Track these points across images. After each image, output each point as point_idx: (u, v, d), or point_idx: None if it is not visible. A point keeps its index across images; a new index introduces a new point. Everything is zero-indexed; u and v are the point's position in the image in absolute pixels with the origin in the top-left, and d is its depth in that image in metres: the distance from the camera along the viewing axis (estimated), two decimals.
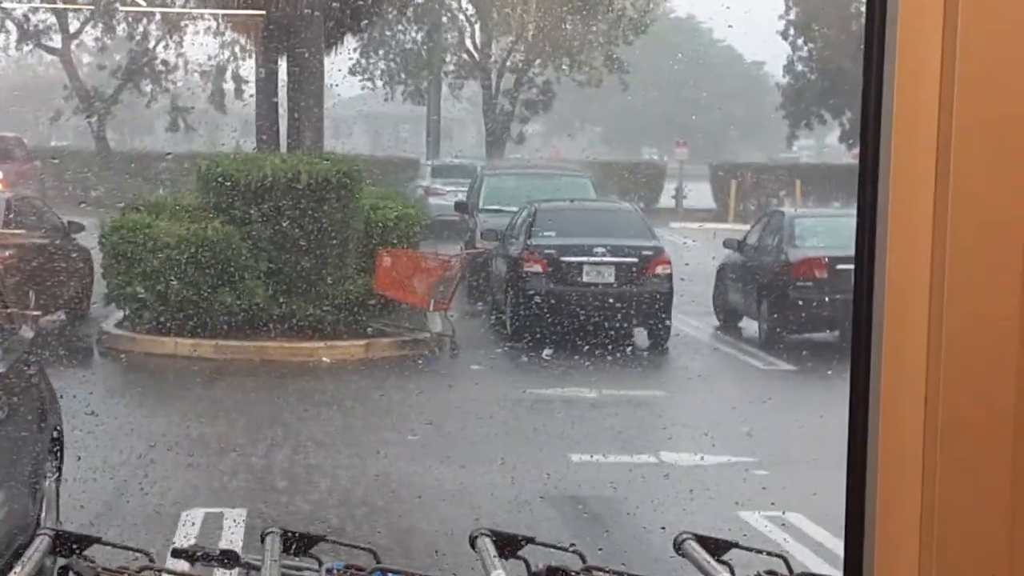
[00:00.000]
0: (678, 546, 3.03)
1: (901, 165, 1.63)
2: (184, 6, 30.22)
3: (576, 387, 15.08)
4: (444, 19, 35.43)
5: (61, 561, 2.82)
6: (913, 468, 1.65)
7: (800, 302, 17.35)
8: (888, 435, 1.66)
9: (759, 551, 3.15)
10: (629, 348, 17.59)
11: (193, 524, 8.95)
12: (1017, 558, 1.61)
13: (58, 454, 8.58)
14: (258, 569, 2.85)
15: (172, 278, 16.40)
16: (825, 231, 17.76)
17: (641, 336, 17.95)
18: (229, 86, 31.83)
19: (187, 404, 14.24)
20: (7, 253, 14.72)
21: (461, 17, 35.95)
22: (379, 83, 35.47)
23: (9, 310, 8.98)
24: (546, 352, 16.84)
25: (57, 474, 8.47)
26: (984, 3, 1.56)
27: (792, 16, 34.88)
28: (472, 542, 2.98)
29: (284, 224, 17.00)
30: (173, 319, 16.41)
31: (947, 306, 1.62)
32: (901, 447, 1.65)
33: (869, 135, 1.70)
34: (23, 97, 35.22)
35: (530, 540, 3.02)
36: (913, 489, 1.64)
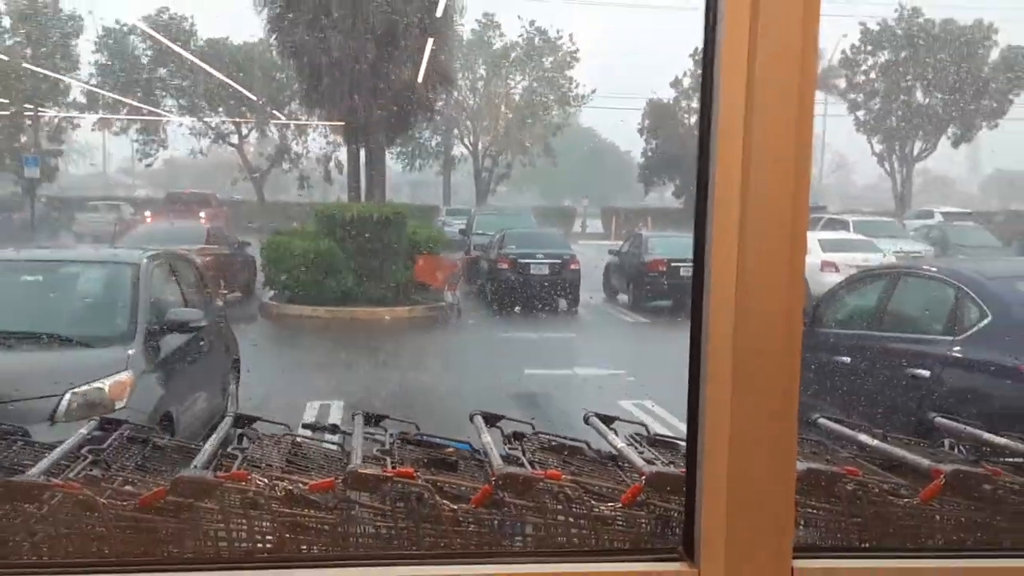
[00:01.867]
0: (586, 419, 3.00)
1: (720, 208, 1.63)
2: (306, 117, 29.99)
3: (527, 332, 15.00)
4: (455, 130, 35.35)
5: (239, 431, 2.77)
6: (726, 370, 1.63)
7: (651, 284, 17.30)
8: (713, 357, 1.64)
9: (631, 422, 3.12)
10: (556, 310, 17.47)
11: (313, 409, 8.90)
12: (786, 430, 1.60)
13: (237, 370, 8.55)
14: (350, 435, 2.80)
15: (300, 272, 16.25)
16: (665, 245, 17.81)
17: (562, 303, 17.74)
18: (332, 164, 31.47)
19: (308, 343, 14.15)
20: (208, 259, 14.59)
21: (464, 126, 35.84)
22: (417, 162, 35.17)
23: (208, 290, 8.92)
24: (516, 309, 16.78)
25: (236, 381, 8.43)
26: (766, 124, 1.55)
27: (647, 123, 34.93)
28: (471, 418, 2.94)
29: (363, 242, 16.74)
30: (300, 295, 16.25)
31: (742, 284, 1.61)
32: (719, 364, 1.64)
33: (700, 188, 1.69)
34: (217, 171, 34.92)
35: (503, 416, 2.98)
36: (727, 379, 1.62)
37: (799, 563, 1.54)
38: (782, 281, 1.58)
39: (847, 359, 6.77)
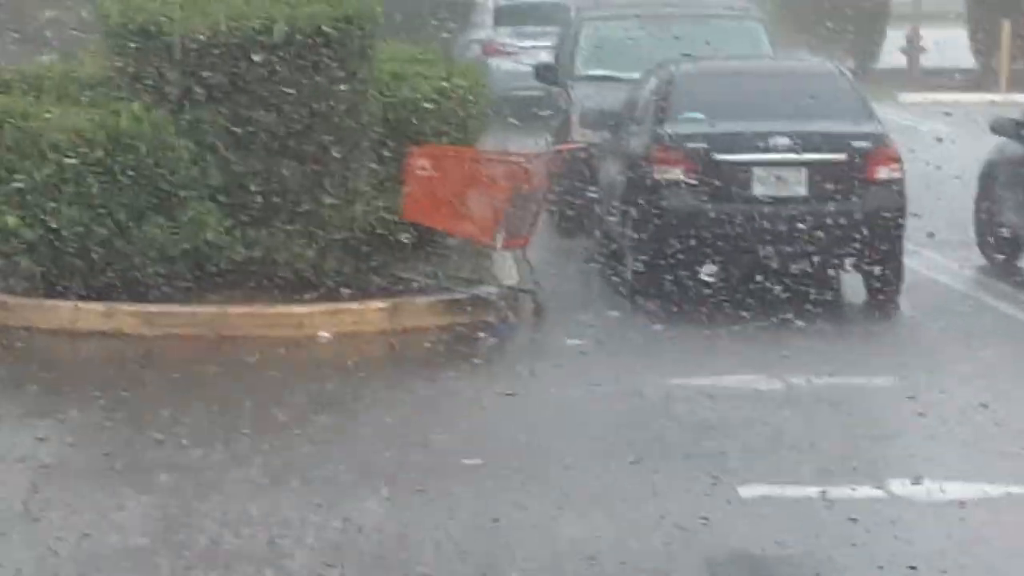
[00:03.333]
0: None
1: None
2: None
3: (746, 372, 15.13)
4: None
5: None
6: None
7: None
8: None
9: None
10: (833, 305, 17.95)
11: None
12: None
13: None
14: None
15: (54, 195, 16.54)
16: None
17: (853, 284, 18.26)
18: None
19: (85, 420, 14.36)
20: None
21: None
22: None
23: None
24: (713, 300, 17.05)
25: None
26: None
27: None
28: None
29: (249, 105, 17.26)
30: (57, 267, 16.59)
31: None
32: None
33: None
34: None
35: None
36: None
37: None
38: None
39: None
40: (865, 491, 11.65)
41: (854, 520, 10.71)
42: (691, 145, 18.06)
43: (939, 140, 20.88)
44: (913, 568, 9.21)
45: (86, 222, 16.62)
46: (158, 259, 16.55)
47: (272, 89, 17.01)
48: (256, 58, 16.98)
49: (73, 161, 16.60)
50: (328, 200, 17.07)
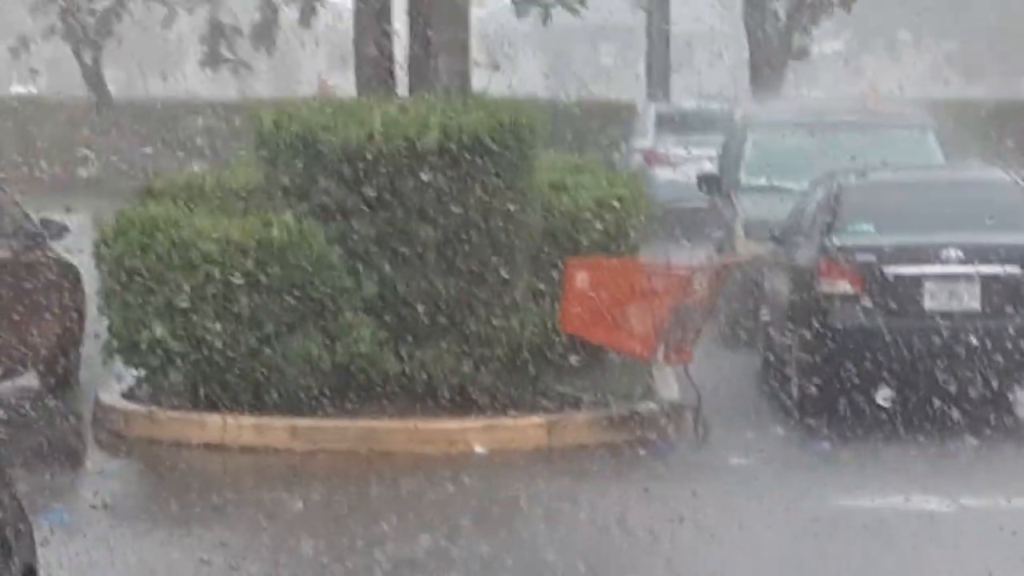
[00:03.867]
0: None
1: None
2: None
3: (918, 493, 14.81)
4: None
5: None
6: None
7: None
8: None
9: None
10: (1008, 425, 17.65)
11: None
12: None
13: None
14: None
15: (212, 311, 16.63)
16: None
17: None
18: None
19: (229, 546, 14.30)
20: None
21: None
22: None
23: None
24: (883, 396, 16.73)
25: None
26: None
27: None
28: None
29: (407, 222, 17.22)
30: (213, 381, 16.77)
31: None
32: None
33: None
34: None
35: None
36: None
37: None
38: None
39: None
40: None
41: None
42: (859, 258, 17.89)
43: None
44: None
45: (235, 333, 16.70)
46: (309, 372, 16.54)
47: (428, 200, 16.96)
48: (412, 168, 16.95)
49: (223, 271, 16.65)
50: (485, 314, 17.02)
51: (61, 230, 19.30)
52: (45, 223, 19.20)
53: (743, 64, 35.99)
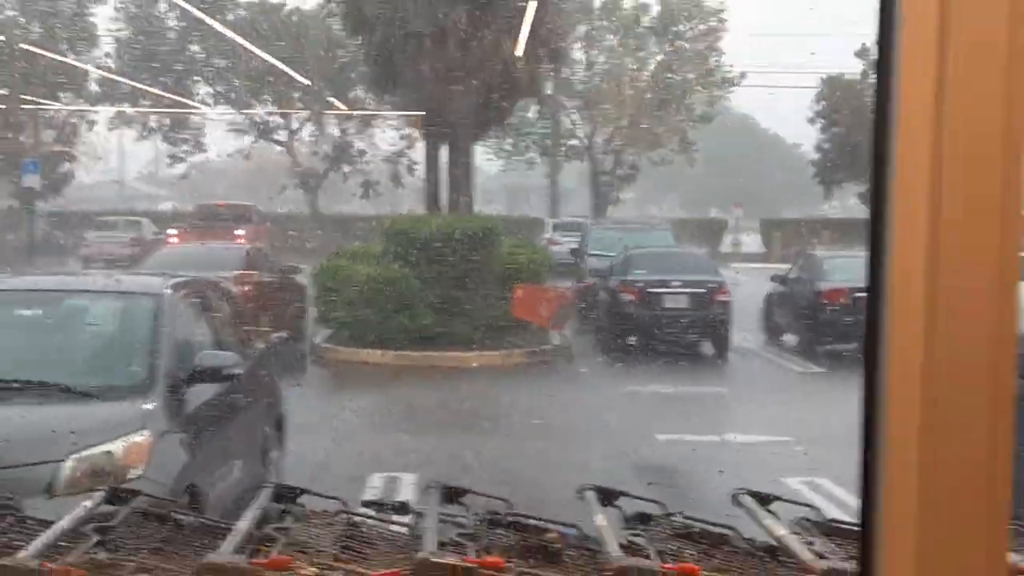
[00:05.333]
0: (735, 499, 2.97)
1: (901, 219, 1.63)
2: (374, 106, 30.43)
3: (660, 385, 14.81)
4: (565, 120, 35.48)
5: (281, 508, 2.83)
6: (911, 445, 1.62)
7: (828, 321, 17.02)
8: (892, 427, 1.64)
9: (796, 503, 3.07)
10: (699, 356, 17.43)
11: (376, 483, 9.01)
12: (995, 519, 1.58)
13: (281, 431, 8.69)
14: (422, 515, 2.83)
15: (363, 305, 16.50)
16: (847, 268, 17.32)
17: (707, 348, 17.72)
18: (405, 165, 32.02)
19: (372, 398, 14.38)
20: (247, 288, 14.96)
21: (574, 120, 36.00)
22: (515, 160, 35.57)
23: (247, 329, 9.10)
24: (645, 356, 16.75)
25: (279, 446, 8.57)
26: (964, 102, 1.55)
27: (823, 107, 34.41)
28: (580, 494, 2.94)
29: (445, 266, 16.91)
30: (363, 336, 16.51)
31: (937, 326, 1.61)
32: (903, 434, 1.63)
33: (876, 197, 1.71)
34: (260, 176, 35.84)
35: (623, 493, 2.96)
36: (911, 460, 1.60)
37: None
38: (989, 312, 1.58)
39: None
40: (708, 438, 11.67)
41: (704, 449, 10.74)
42: (636, 285, 17.91)
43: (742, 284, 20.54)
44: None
45: (373, 314, 16.53)
46: (404, 331, 16.56)
47: (454, 258, 16.97)
48: (447, 245, 16.93)
49: (364, 290, 16.63)
50: (478, 308, 17.03)
51: (296, 269, 18.71)
52: (291, 267, 18.92)
53: (589, 202, 35.70)
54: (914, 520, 1.53)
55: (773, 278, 19.84)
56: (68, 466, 5.68)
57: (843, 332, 16.75)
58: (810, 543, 2.60)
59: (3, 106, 28.08)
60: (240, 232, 24.30)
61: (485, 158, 28.84)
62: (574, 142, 36.90)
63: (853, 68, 33.22)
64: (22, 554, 2.31)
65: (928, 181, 1.54)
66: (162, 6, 30.79)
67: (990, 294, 1.52)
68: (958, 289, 1.52)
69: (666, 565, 2.38)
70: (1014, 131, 1.55)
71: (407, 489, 8.69)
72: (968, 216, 1.55)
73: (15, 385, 6.32)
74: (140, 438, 6.03)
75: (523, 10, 21.28)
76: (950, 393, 1.54)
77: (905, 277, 1.55)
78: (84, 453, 5.76)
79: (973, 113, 1.53)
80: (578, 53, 34.09)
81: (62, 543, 2.47)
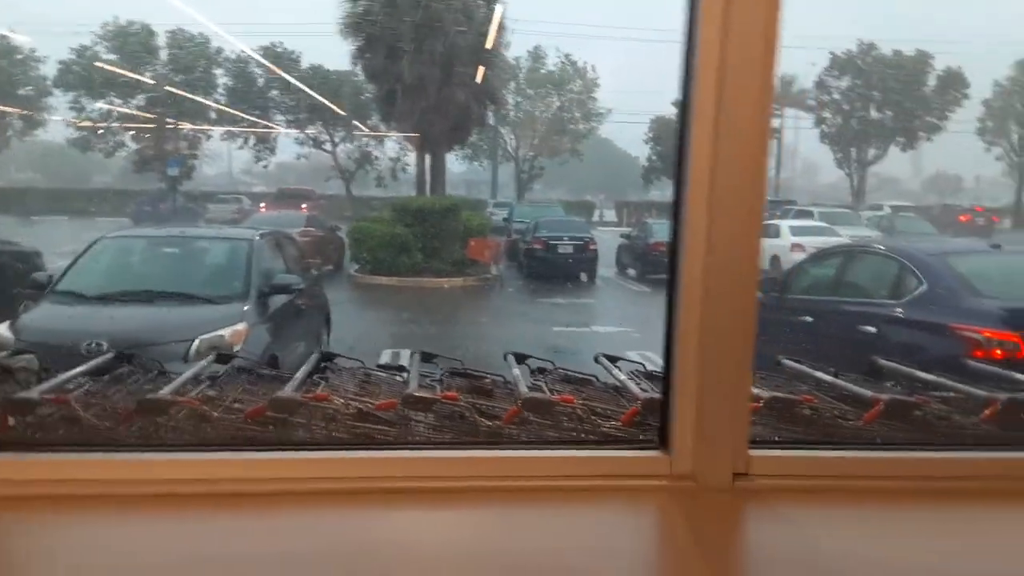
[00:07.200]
0: (596, 359, 2.98)
1: (692, 200, 1.67)
2: (384, 129, 29.98)
3: (555, 298, 14.86)
4: (501, 139, 35.20)
5: (324, 364, 2.79)
6: (694, 327, 1.67)
7: (653, 261, 16.92)
8: (683, 318, 1.68)
9: (632, 361, 3.10)
10: (578, 282, 17.22)
11: (386, 356, 8.90)
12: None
13: (328, 324, 8.63)
14: (408, 370, 2.81)
15: (379, 250, 16.21)
16: (665, 230, 17.21)
17: (583, 277, 17.47)
18: (400, 166, 31.46)
19: (385, 305, 14.22)
20: (307, 239, 14.74)
21: (507, 138, 35.68)
22: (471, 163, 35.01)
23: (306, 262, 8.99)
24: (547, 281, 16.37)
25: (327, 332, 8.50)
26: (732, 131, 1.59)
27: (652, 134, 34.49)
28: (504, 356, 2.94)
29: (428, 227, 16.59)
30: (379, 268, 16.20)
31: (713, 261, 1.65)
32: (689, 321, 1.67)
33: (678, 187, 1.73)
34: (315, 171, 35.30)
35: (530, 356, 2.96)
36: (695, 334, 1.64)
37: (754, 452, 1.56)
38: (743, 250, 1.62)
39: (810, 319, 6.84)
40: (583, 329, 11.68)
41: (580, 335, 10.74)
42: (542, 238, 17.34)
43: (604, 240, 20.31)
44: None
45: (385, 255, 16.01)
46: (406, 267, 16.10)
47: (434, 222, 16.51)
48: (429, 215, 16.46)
49: (380, 241, 16.12)
50: (446, 252, 16.56)
51: (338, 227, 18.11)
52: (334, 226, 18.46)
53: (514, 190, 35.29)
54: (695, 367, 1.59)
55: (622, 235, 19.70)
56: (196, 344, 5.71)
57: (661, 266, 16.75)
58: (639, 383, 2.62)
59: (154, 126, 28.24)
60: (304, 205, 23.95)
61: (453, 162, 28.50)
62: (506, 151, 36.59)
63: (671, 111, 33.23)
64: (162, 391, 2.28)
65: (708, 178, 1.58)
66: (255, 68, 30.38)
67: (743, 239, 1.55)
68: (724, 236, 1.55)
69: (554, 396, 2.38)
70: (760, 147, 1.59)
71: (406, 359, 8.61)
72: (731, 195, 1.57)
73: (165, 293, 6.40)
74: (240, 327, 6.09)
75: (475, 72, 21.41)
76: (718, 298, 1.58)
77: (693, 233, 1.59)
78: (206, 336, 5.81)
79: (736, 138, 1.56)
80: (509, 97, 33.80)
81: (188, 386, 2.43)
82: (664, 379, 1.69)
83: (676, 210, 1.66)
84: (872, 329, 5.89)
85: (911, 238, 19.43)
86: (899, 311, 5.95)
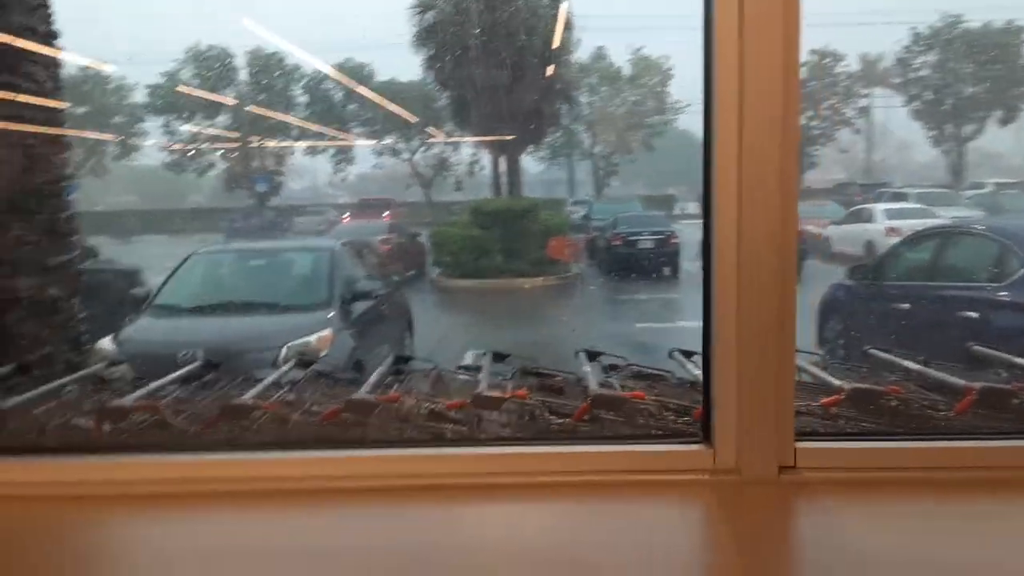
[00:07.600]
0: (670, 354, 2.95)
1: (721, 190, 1.65)
2: (459, 135, 30.23)
3: (638, 294, 14.71)
4: (575, 138, 35.00)
5: (397, 367, 2.85)
6: (731, 296, 1.64)
7: None
8: (721, 287, 1.66)
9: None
10: (661, 277, 16.91)
11: (470, 357, 9.00)
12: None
13: (411, 328, 8.77)
14: (480, 370, 2.84)
15: (459, 254, 16.35)
16: None
17: (666, 271, 17.09)
18: (478, 169, 31.60)
19: (467, 307, 14.33)
20: (389, 246, 15.04)
21: (583, 136, 35.47)
22: (547, 164, 34.95)
23: (387, 268, 9.17)
24: (628, 277, 16.29)
25: (411, 336, 8.64)
26: (755, 125, 1.55)
27: None
28: (576, 354, 2.94)
29: (507, 229, 16.68)
30: (460, 272, 16.34)
31: (745, 253, 1.63)
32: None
33: (708, 175, 1.73)
34: (394, 180, 35.77)
35: (602, 352, 2.95)
36: (732, 304, 1.61)
37: (801, 444, 1.53)
38: (778, 239, 1.58)
39: (906, 306, 6.53)
40: (668, 324, 11.47)
41: (665, 331, 10.57)
42: (621, 234, 17.12)
43: (685, 232, 20.01)
44: None
45: (466, 257, 16.10)
46: (487, 268, 16.23)
47: (513, 223, 16.55)
48: (509, 217, 16.57)
49: (459, 244, 16.23)
50: (527, 250, 16.53)
51: (418, 233, 18.26)
52: (415, 232, 18.48)
53: (592, 188, 35.00)
54: (733, 359, 1.57)
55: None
56: (285, 350, 5.88)
57: None
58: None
59: (239, 144, 29.41)
60: (385, 213, 24.47)
61: (529, 163, 28.48)
62: (582, 150, 36.36)
63: None
64: (245, 396, 2.38)
65: (735, 165, 1.57)
66: (331, 84, 31.27)
67: (778, 227, 1.52)
68: (757, 225, 1.51)
69: (625, 393, 2.36)
70: (789, 140, 1.56)
71: (484, 359, 8.64)
72: (760, 182, 1.54)
73: (255, 303, 6.73)
74: (326, 333, 6.28)
75: (545, 72, 21.42)
76: (754, 288, 1.56)
77: (725, 224, 1.58)
78: (294, 342, 6.03)
79: (760, 130, 1.54)
80: (583, 97, 33.51)
81: (270, 392, 2.53)
82: (704, 372, 1.65)
83: (706, 202, 1.63)
84: (974, 315, 5.61)
85: (1018, 216, 18.82)
86: (1003, 294, 5.58)
